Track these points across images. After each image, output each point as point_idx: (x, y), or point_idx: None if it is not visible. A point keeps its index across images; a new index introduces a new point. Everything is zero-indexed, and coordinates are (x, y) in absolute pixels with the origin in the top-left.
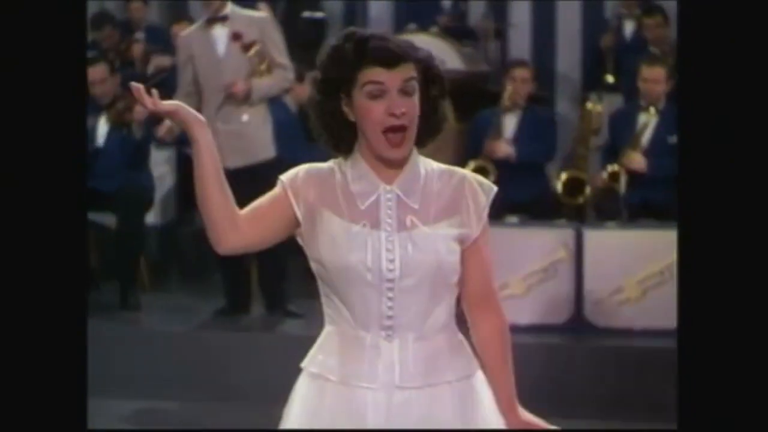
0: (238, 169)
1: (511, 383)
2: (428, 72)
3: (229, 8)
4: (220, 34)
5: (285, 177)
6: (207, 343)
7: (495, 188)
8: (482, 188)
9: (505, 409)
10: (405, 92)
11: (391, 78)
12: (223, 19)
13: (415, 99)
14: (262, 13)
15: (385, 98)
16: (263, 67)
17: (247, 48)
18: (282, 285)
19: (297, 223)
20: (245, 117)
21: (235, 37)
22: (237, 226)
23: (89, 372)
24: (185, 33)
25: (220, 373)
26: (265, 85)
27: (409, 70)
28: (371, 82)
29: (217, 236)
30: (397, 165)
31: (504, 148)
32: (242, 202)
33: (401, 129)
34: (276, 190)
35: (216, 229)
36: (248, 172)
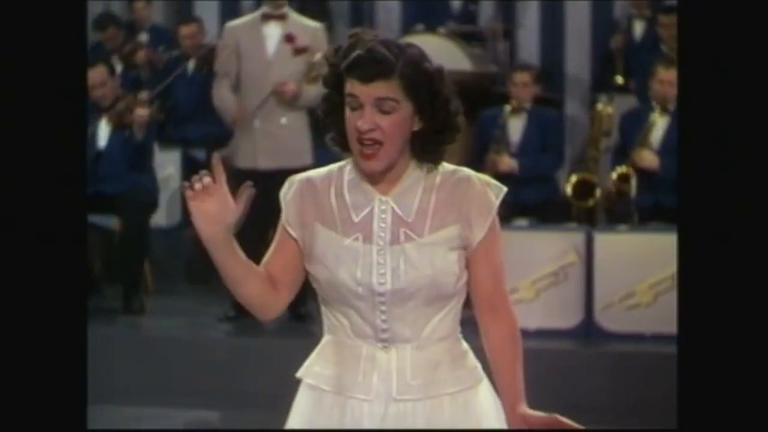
0: (269, 170)
1: (520, 391)
2: (423, 90)
3: (287, 9)
4: (273, 32)
5: (282, 195)
6: (212, 348)
7: (504, 189)
8: (490, 189)
9: (509, 413)
10: (380, 109)
11: (364, 93)
12: (280, 17)
13: (394, 117)
14: (316, 23)
15: (359, 111)
16: (312, 74)
17: (298, 51)
18: (303, 286)
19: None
20: (284, 120)
21: (288, 38)
22: (276, 290)
23: (92, 378)
24: (233, 23)
25: (226, 379)
26: (313, 93)
27: (386, 88)
28: (349, 94)
29: (263, 311)
30: (390, 175)
31: (507, 162)
32: (268, 206)
33: (372, 143)
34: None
35: (258, 307)
36: (279, 175)
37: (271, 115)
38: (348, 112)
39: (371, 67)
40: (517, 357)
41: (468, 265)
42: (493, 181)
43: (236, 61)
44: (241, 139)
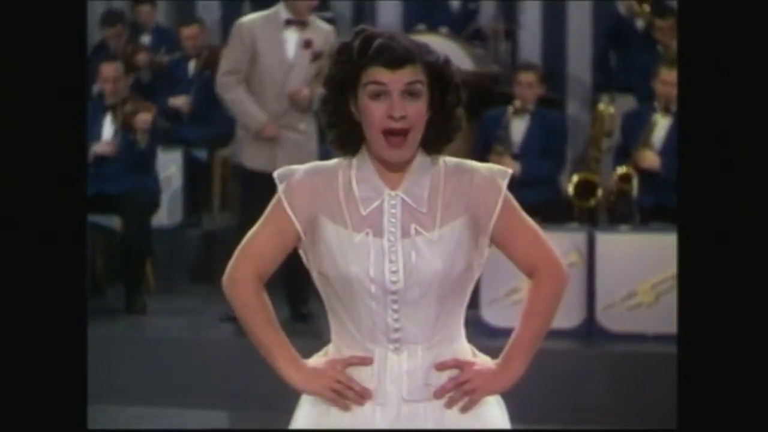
0: None
1: (514, 350)
2: (440, 77)
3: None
4: (293, 37)
5: (281, 184)
6: (214, 348)
7: (509, 171)
8: (495, 174)
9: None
10: (408, 95)
11: (393, 79)
12: (303, 24)
13: (420, 103)
14: (329, 25)
15: (386, 99)
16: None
17: (315, 56)
18: (306, 285)
19: (300, 236)
20: (302, 125)
21: (307, 44)
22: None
23: (92, 378)
24: (247, 20)
25: (228, 379)
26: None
27: (414, 73)
28: (373, 82)
29: None
30: (401, 168)
31: (509, 164)
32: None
33: (401, 132)
34: (275, 205)
35: None
36: None
37: (291, 122)
38: (369, 103)
39: (399, 52)
40: (537, 317)
41: (498, 247)
42: (496, 166)
43: (250, 61)
44: (255, 141)
